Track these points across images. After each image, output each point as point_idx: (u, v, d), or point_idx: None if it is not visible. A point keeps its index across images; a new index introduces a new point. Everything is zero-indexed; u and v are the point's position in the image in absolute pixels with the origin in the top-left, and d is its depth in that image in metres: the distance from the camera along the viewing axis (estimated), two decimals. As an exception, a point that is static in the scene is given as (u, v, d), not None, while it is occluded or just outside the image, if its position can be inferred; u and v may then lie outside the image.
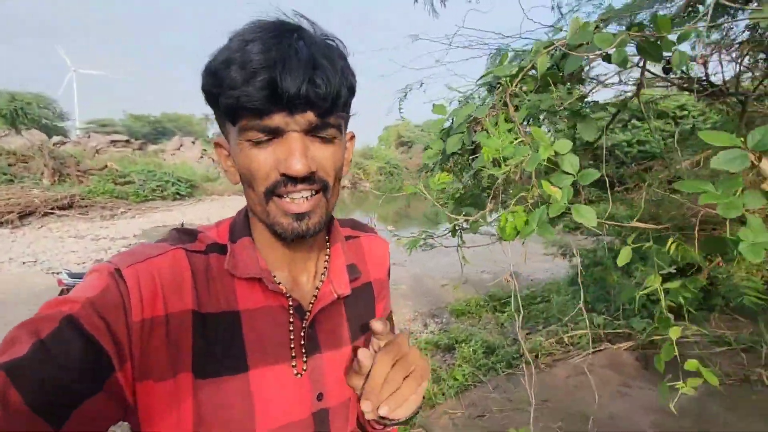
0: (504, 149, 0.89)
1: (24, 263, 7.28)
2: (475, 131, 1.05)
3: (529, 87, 1.07)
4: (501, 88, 1.05)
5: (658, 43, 0.89)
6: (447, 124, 1.19)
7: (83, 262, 7.41)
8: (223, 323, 0.49)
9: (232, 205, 15.35)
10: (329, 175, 0.49)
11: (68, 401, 0.38)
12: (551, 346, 2.99)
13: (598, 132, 1.29)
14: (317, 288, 0.57)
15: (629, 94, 1.48)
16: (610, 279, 3.22)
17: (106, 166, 14.67)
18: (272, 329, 0.52)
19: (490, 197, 1.04)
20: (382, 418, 0.49)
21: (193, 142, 22.41)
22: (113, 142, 18.60)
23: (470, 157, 1.18)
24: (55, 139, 18.07)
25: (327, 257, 0.60)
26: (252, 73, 0.41)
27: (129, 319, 0.42)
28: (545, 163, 0.88)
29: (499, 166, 0.92)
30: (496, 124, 0.95)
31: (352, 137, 0.58)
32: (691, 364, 1.30)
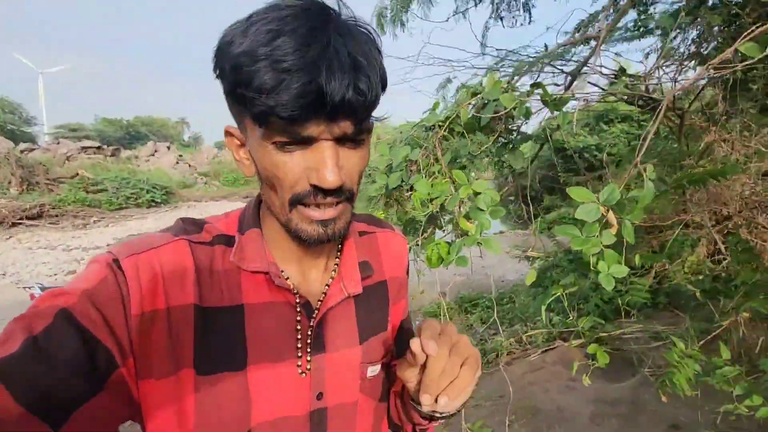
0: (432, 191, 1.07)
1: (-8, 276, 7.13)
2: (411, 171, 1.22)
3: (458, 130, 1.26)
4: (432, 132, 1.23)
5: (554, 100, 1.09)
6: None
7: (55, 274, 7.30)
8: (226, 318, 0.47)
9: (210, 211, 15.22)
10: (355, 183, 0.47)
11: (66, 400, 0.36)
12: (511, 345, 3.21)
13: (524, 161, 1.50)
14: (327, 285, 0.55)
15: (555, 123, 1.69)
16: (566, 281, 3.47)
17: (78, 174, 14.32)
18: (277, 326, 0.50)
19: (421, 229, 1.23)
20: (433, 411, 0.50)
21: (168, 147, 22.09)
22: (84, 148, 18.13)
23: (408, 192, 1.36)
24: (23, 146, 17.51)
25: (339, 253, 0.57)
26: (287, 76, 0.37)
27: (128, 312, 0.41)
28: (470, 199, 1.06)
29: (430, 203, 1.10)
30: (428, 165, 1.13)
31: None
32: (593, 347, 1.52)
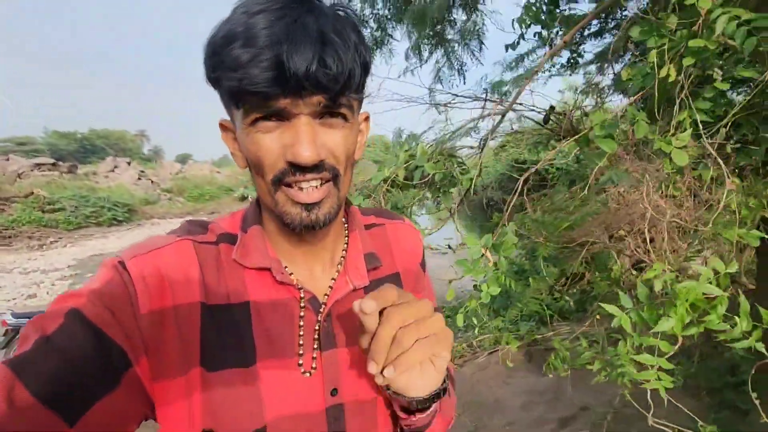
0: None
1: (-56, 304, 6.88)
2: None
3: (399, 184, 1.67)
4: (379, 186, 1.64)
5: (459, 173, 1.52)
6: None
7: (13, 299, 7.13)
8: (233, 314, 0.47)
9: (172, 227, 14.98)
10: (340, 163, 0.46)
11: (83, 396, 0.37)
12: (464, 349, 3.64)
13: (454, 201, 1.93)
14: (333, 279, 0.55)
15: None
16: (512, 288, 3.98)
17: (33, 193, 13.80)
18: (282, 322, 0.49)
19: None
20: (396, 393, 0.46)
21: (129, 163, 21.54)
22: (38, 165, 17.42)
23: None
24: (-33, 163, 16.63)
25: (345, 246, 0.57)
26: (256, 52, 0.38)
27: (137, 312, 0.41)
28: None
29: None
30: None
31: (367, 118, 0.54)
32: (509, 338, 1.98)
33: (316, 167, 0.44)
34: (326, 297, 0.53)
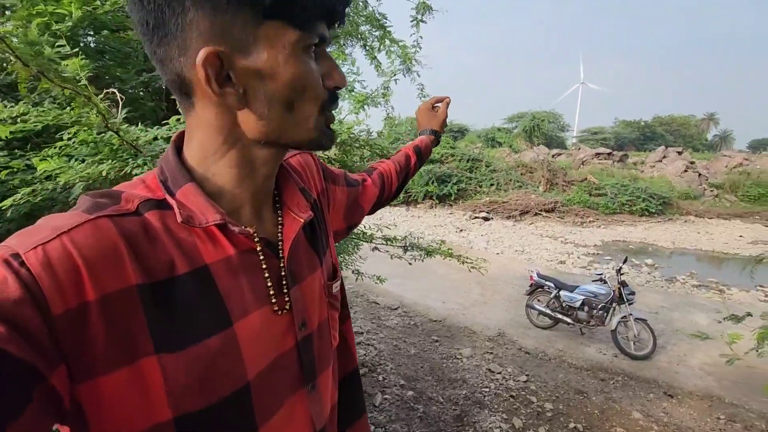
0: None
1: (515, 251, 10.19)
2: None
3: None
4: None
5: None
6: None
7: (549, 261, 9.34)
8: (190, 284, 0.44)
9: (710, 230, 13.27)
10: None
11: None
12: None
13: None
14: (279, 218, 0.55)
15: None
16: None
17: (586, 178, 16.68)
18: (247, 275, 0.49)
19: None
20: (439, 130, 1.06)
21: (680, 153, 20.57)
22: (597, 154, 20.58)
23: None
24: (554, 151, 22.30)
25: (274, 185, 0.57)
26: None
27: (47, 314, 0.35)
28: None
29: None
30: None
31: None
32: None
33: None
34: (279, 237, 0.54)
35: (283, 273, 0.53)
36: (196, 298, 0.44)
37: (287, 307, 0.53)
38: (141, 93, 2.05)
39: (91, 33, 1.90)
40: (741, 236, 12.37)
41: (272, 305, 0.51)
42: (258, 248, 0.51)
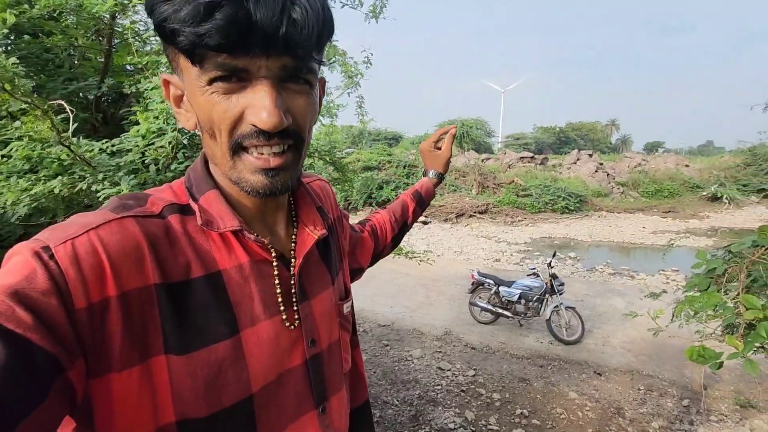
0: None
1: (454, 252, 10.64)
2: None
3: None
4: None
5: None
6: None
7: (485, 260, 9.88)
8: (203, 288, 0.44)
9: (619, 224, 14.89)
10: (303, 129, 0.46)
11: (4, 418, 0.31)
12: None
13: None
14: (293, 235, 0.56)
15: None
16: None
17: (513, 181, 17.90)
18: (258, 284, 0.49)
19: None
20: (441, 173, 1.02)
21: (590, 155, 22.87)
22: (521, 158, 22.20)
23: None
24: (483, 155, 23.65)
25: (292, 202, 0.58)
26: (216, 3, 0.36)
27: (70, 307, 0.36)
28: None
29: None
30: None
31: (324, 83, 0.53)
32: None
33: (281, 133, 0.42)
34: (292, 252, 0.54)
35: (293, 287, 0.53)
36: (207, 303, 0.45)
37: (297, 321, 0.53)
38: (71, 103, 1.90)
39: (12, 39, 1.73)
40: (644, 227, 14.08)
41: (282, 316, 0.51)
42: (272, 258, 0.51)
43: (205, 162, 0.52)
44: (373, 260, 0.93)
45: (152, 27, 0.45)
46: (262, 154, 0.44)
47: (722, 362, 1.05)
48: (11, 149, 1.04)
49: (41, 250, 0.37)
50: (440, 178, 1.06)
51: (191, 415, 0.43)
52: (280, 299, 0.51)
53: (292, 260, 0.54)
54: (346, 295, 0.67)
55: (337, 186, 2.50)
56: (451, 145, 1.03)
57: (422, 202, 1.02)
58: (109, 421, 0.40)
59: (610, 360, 4.68)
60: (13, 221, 1.02)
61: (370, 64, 2.05)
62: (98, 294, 0.38)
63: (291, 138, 0.45)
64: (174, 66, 0.45)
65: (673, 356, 4.57)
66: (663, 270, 8.34)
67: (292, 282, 0.53)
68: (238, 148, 0.44)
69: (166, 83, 0.48)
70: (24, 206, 0.99)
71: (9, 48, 1.70)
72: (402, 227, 0.98)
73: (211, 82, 0.41)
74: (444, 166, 1.05)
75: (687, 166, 21.99)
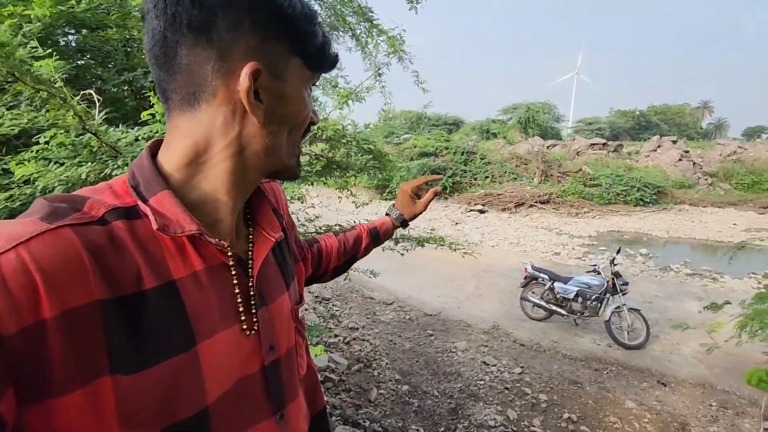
0: None
1: (510, 243, 10.23)
2: None
3: None
4: None
5: None
6: None
7: (543, 253, 9.38)
8: (156, 300, 0.42)
9: (705, 219, 13.35)
10: None
11: None
12: None
13: None
14: (250, 236, 0.55)
15: None
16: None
17: (581, 169, 16.71)
18: (217, 291, 0.48)
19: None
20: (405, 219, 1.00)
21: (674, 142, 20.63)
22: (592, 145, 20.58)
23: None
24: (549, 142, 22.30)
25: (246, 203, 0.57)
26: (327, 36, 0.51)
27: None
28: None
29: None
30: None
31: None
32: None
33: None
34: (250, 255, 0.53)
35: (252, 292, 0.51)
36: (160, 316, 0.42)
37: (255, 327, 0.51)
38: (123, 92, 2.03)
39: (71, 32, 1.87)
40: (735, 224, 12.46)
41: (241, 324, 0.50)
42: (231, 263, 0.50)
43: (153, 158, 0.49)
44: (306, 283, 0.88)
45: (291, 38, 0.49)
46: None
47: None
48: (50, 136, 1.11)
49: None
50: (403, 224, 1.04)
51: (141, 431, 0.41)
52: (240, 307, 0.50)
53: (250, 263, 0.53)
54: (300, 299, 0.66)
55: (378, 175, 2.45)
56: (429, 202, 1.03)
57: (378, 240, 1.00)
58: None
59: (678, 370, 4.24)
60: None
61: (404, 41, 1.97)
62: (32, 317, 0.34)
63: None
64: (274, 64, 0.47)
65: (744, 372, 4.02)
66: (754, 273, 7.36)
67: (251, 285, 0.52)
68: (300, 140, 0.54)
69: (257, 74, 0.45)
70: (57, 190, 1.06)
71: (73, 43, 1.84)
72: (349, 260, 0.95)
73: (311, 85, 0.53)
74: (412, 216, 1.04)
75: (797, 154, 19.02)
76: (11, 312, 0.33)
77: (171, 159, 0.48)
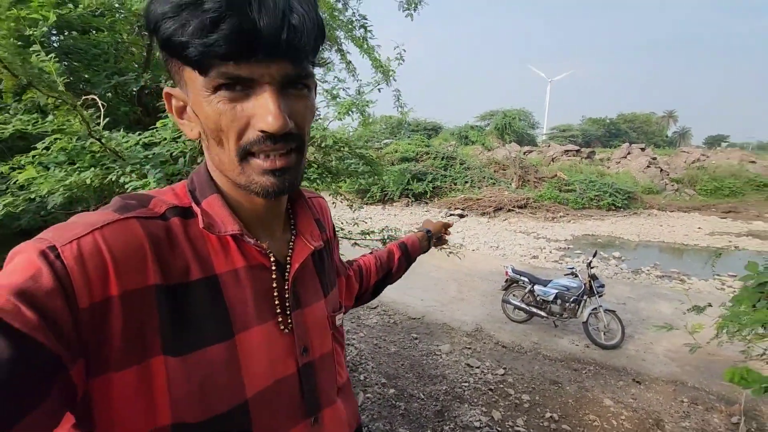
0: None
1: (490, 247, 10.41)
2: None
3: None
4: None
5: None
6: None
7: (522, 256, 9.59)
8: (200, 291, 0.45)
9: (671, 223, 13.95)
10: (305, 131, 0.48)
11: (7, 415, 0.31)
12: None
13: None
14: (291, 243, 0.56)
15: None
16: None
17: (556, 175, 17.19)
18: (255, 289, 0.50)
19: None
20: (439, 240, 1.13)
21: (643, 149, 21.50)
22: (566, 151, 21.23)
23: None
24: (525, 148, 22.85)
25: (290, 212, 0.59)
26: (221, 14, 0.38)
27: (74, 307, 0.37)
28: None
29: None
30: None
31: (315, 85, 0.52)
32: None
33: (284, 136, 0.44)
34: (288, 259, 0.55)
35: (286, 294, 0.54)
36: (203, 306, 0.46)
37: (290, 327, 0.53)
38: (110, 96, 1.99)
39: (55, 34, 1.83)
40: (699, 228, 13.08)
41: (276, 320, 0.52)
42: (270, 263, 0.53)
43: (208, 167, 0.53)
44: (355, 303, 0.91)
45: (156, 43, 0.47)
46: (268, 156, 0.45)
47: (767, 388, 0.94)
48: (50, 142, 1.10)
49: (48, 250, 0.38)
50: (428, 234, 1.12)
51: (186, 419, 0.43)
52: (276, 304, 0.52)
53: (288, 266, 0.55)
54: (340, 307, 0.67)
55: (368, 180, 2.48)
56: (447, 230, 1.22)
57: (408, 254, 1.03)
58: (107, 419, 0.41)
59: (651, 368, 4.42)
60: (50, 209, 1.09)
61: (403, 60, 2.01)
62: (101, 294, 0.39)
63: (294, 141, 0.46)
64: (177, 79, 0.46)
65: (724, 369, 4.24)
66: (718, 275, 7.74)
67: (286, 288, 0.54)
68: (245, 154, 0.45)
69: (168, 96, 0.49)
70: (59, 195, 1.05)
71: (56, 44, 1.80)
72: (386, 275, 0.97)
73: (215, 90, 0.43)
74: (437, 231, 1.18)
75: (753, 162, 20.14)
76: (86, 287, 0.38)
77: (213, 169, 0.53)
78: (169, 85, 0.54)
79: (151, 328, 0.42)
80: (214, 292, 0.47)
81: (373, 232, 2.67)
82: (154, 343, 0.42)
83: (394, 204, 16.36)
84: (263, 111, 0.42)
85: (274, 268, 0.52)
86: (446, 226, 1.19)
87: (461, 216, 14.26)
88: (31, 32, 1.07)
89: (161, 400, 0.42)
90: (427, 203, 16.26)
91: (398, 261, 0.99)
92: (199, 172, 0.53)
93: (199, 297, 0.46)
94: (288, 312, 0.54)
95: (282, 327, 0.53)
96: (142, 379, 0.41)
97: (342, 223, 2.60)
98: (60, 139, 1.08)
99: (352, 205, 2.42)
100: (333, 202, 2.28)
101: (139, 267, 0.42)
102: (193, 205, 0.50)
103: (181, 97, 0.48)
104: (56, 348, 0.35)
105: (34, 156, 1.13)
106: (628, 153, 21.05)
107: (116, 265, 0.40)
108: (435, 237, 1.14)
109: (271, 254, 0.53)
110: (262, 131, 0.43)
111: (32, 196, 1.01)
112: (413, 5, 2.20)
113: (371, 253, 0.98)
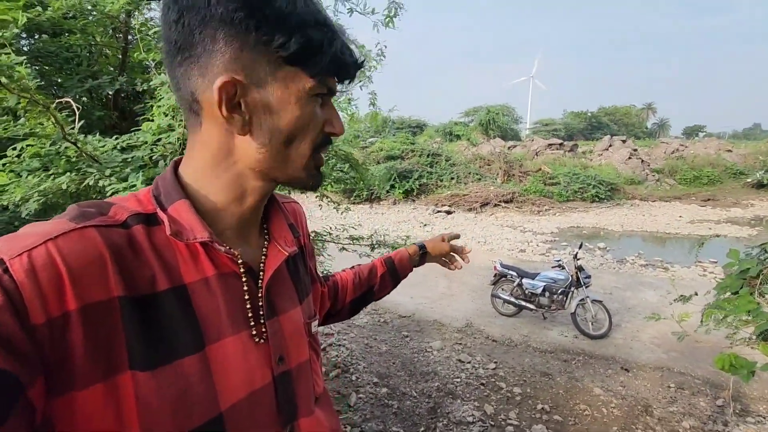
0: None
1: (478, 242, 10.48)
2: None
3: None
4: None
5: None
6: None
7: (510, 251, 9.67)
8: (169, 302, 0.43)
9: (653, 213, 14.26)
10: None
11: None
12: None
13: None
14: (264, 248, 0.56)
15: None
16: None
17: (540, 169, 17.40)
18: (226, 298, 0.49)
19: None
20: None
21: (624, 141, 21.90)
22: (549, 145, 21.51)
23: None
24: (509, 143, 23.06)
25: (263, 217, 0.58)
26: (340, 39, 0.47)
27: (27, 323, 0.35)
28: None
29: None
30: None
31: None
32: None
33: None
34: (262, 266, 0.54)
35: (261, 302, 0.52)
36: (172, 317, 0.44)
37: (264, 337, 0.52)
38: (85, 100, 1.93)
39: (25, 37, 1.77)
40: (680, 216, 13.42)
41: (250, 331, 0.51)
42: (241, 271, 0.51)
43: (175, 171, 0.51)
44: (325, 321, 0.87)
45: (281, 42, 0.45)
46: (321, 156, 0.52)
47: (754, 372, 0.97)
48: (22, 147, 1.06)
49: None
50: (422, 248, 1.02)
51: None
52: (249, 314, 0.51)
53: (261, 273, 0.54)
54: (315, 314, 0.66)
55: (352, 182, 2.47)
56: (451, 246, 1.06)
57: (394, 270, 0.96)
58: None
59: (638, 356, 4.51)
60: (24, 217, 1.04)
61: (384, 56, 2.00)
62: (58, 308, 0.37)
63: None
64: (255, 76, 0.45)
65: (708, 354, 4.35)
66: (700, 261, 7.94)
67: (260, 295, 0.52)
68: (316, 150, 0.51)
69: (231, 83, 0.44)
70: (34, 202, 1.01)
71: (27, 47, 1.74)
72: (366, 293, 0.91)
73: (314, 95, 0.48)
74: (434, 248, 1.03)
75: (730, 151, 20.73)
76: (41, 302, 0.36)
77: (187, 171, 0.51)
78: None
79: (116, 342, 0.40)
80: (183, 303, 0.45)
81: (362, 237, 2.66)
82: (120, 359, 0.40)
83: (381, 202, 16.35)
84: (337, 119, 0.51)
85: (244, 276, 0.51)
86: (450, 249, 1.04)
87: (448, 212, 14.32)
88: (0, 33, 1.03)
89: (129, 418, 0.40)
90: (414, 201, 16.29)
91: (381, 278, 0.93)
92: (165, 177, 0.51)
93: (168, 308, 0.44)
94: (262, 321, 0.52)
95: (256, 337, 0.51)
96: (108, 396, 0.39)
97: (330, 228, 2.57)
98: (32, 145, 1.04)
99: (338, 208, 2.40)
100: (319, 204, 2.26)
101: (99, 279, 0.40)
102: (159, 211, 0.47)
103: (251, 92, 0.46)
104: (11, 367, 0.33)
105: (4, 164, 1.09)
106: (610, 145, 21.41)
107: (72, 277, 0.38)
108: (435, 255, 1.03)
109: (241, 261, 0.51)
110: (332, 134, 0.51)
111: (5, 203, 0.97)
112: (390, 21, 2.16)
113: (353, 268, 0.93)
